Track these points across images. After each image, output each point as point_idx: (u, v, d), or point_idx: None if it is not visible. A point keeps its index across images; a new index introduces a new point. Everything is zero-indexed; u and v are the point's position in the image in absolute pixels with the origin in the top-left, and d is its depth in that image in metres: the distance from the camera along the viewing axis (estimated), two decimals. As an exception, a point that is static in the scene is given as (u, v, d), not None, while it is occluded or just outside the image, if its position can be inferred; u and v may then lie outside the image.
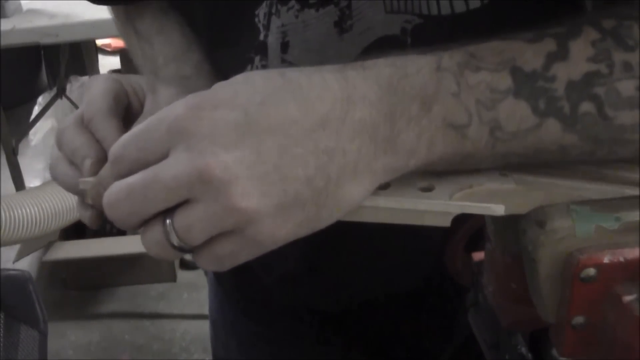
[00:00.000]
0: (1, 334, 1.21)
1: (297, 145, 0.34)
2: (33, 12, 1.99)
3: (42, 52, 3.04)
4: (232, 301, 0.77)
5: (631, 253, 0.37)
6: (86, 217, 0.44)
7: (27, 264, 2.09)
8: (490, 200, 0.38)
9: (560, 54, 0.38)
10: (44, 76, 3.22)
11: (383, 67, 0.37)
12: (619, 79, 0.38)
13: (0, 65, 2.15)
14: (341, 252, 0.61)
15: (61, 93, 2.57)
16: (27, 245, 2.05)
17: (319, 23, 0.50)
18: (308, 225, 0.36)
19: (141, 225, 0.36)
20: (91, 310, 2.20)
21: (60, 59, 2.50)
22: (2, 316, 1.22)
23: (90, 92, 0.45)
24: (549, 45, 0.38)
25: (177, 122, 0.34)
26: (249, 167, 0.33)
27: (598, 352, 0.39)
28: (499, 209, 0.38)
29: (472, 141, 0.38)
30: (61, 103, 2.59)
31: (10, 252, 2.04)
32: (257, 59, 0.53)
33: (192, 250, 0.36)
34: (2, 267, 1.53)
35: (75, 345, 2.06)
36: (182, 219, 0.34)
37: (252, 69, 0.54)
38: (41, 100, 2.86)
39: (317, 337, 0.72)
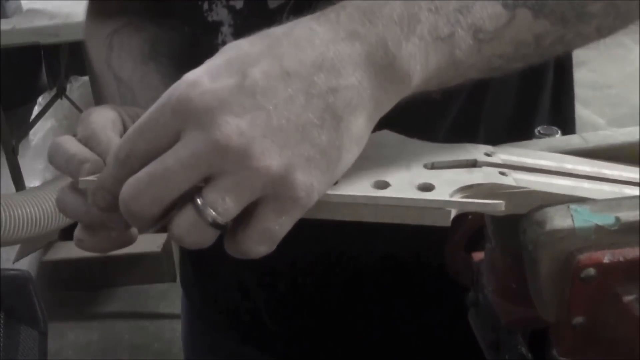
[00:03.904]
0: (1, 334, 1.21)
1: (301, 93, 0.35)
2: (33, 12, 1.99)
3: (42, 52, 3.04)
4: (203, 318, 0.78)
5: (631, 253, 0.37)
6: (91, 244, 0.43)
7: (27, 264, 2.10)
8: (490, 199, 0.38)
9: None
10: (44, 76, 3.21)
11: (360, 2, 0.38)
12: None
13: (0, 65, 2.15)
14: (299, 258, 0.62)
15: (61, 93, 2.57)
16: (27, 245, 2.05)
17: None
18: (334, 170, 0.36)
19: (162, 215, 0.36)
20: (91, 310, 2.20)
21: (60, 59, 2.50)
22: (2, 316, 1.22)
23: (86, 118, 0.45)
24: None
25: (180, 103, 0.34)
26: (262, 126, 0.34)
27: (598, 352, 0.39)
28: (499, 205, 0.38)
29: (460, 49, 0.39)
30: (61, 103, 2.59)
31: (10, 252, 2.05)
32: None
33: (226, 226, 0.35)
34: (2, 267, 1.53)
35: (75, 345, 2.06)
36: (212, 192, 0.34)
37: None
38: (41, 100, 2.85)
39: (289, 349, 0.72)
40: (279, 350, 0.72)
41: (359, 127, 0.37)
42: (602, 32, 0.44)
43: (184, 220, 0.35)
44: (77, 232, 0.43)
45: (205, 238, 0.36)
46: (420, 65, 0.38)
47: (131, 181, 0.35)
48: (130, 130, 0.36)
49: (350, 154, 0.37)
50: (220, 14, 0.57)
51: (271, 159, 0.34)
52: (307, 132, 0.35)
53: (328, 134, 0.36)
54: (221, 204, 0.34)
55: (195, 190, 0.35)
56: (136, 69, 0.60)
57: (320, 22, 0.37)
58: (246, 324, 0.73)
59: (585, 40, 0.44)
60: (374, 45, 0.37)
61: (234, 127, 0.33)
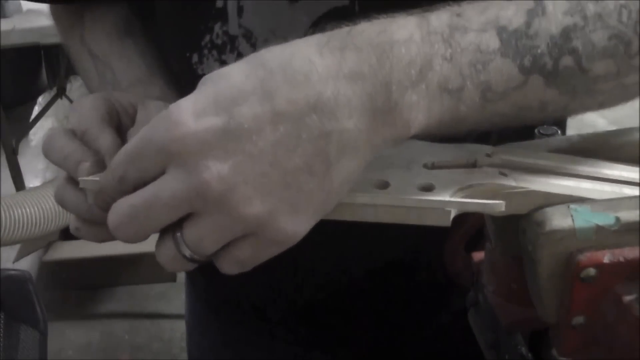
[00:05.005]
0: (1, 334, 1.21)
1: (290, 137, 0.33)
2: (33, 12, 1.99)
3: (42, 52, 3.04)
4: (203, 301, 0.77)
5: (631, 253, 0.37)
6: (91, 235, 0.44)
7: (27, 264, 2.09)
8: (490, 199, 0.38)
9: (539, 10, 0.38)
10: (44, 76, 3.22)
11: (373, 36, 0.36)
12: (593, 30, 0.38)
13: (0, 65, 2.15)
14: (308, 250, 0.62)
15: (61, 93, 2.57)
16: (27, 245, 2.05)
17: None
18: (320, 211, 0.36)
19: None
20: (91, 310, 2.20)
21: (60, 59, 2.50)
22: (2, 316, 1.22)
23: (78, 109, 0.45)
24: (527, 1, 0.39)
25: (163, 145, 0.33)
26: (244, 172, 0.33)
27: (598, 352, 0.39)
28: (499, 205, 0.38)
29: (466, 104, 0.37)
30: (61, 103, 2.59)
31: (10, 252, 2.04)
32: (217, 26, 0.53)
33: (206, 260, 0.36)
34: (2, 267, 1.53)
35: (75, 345, 2.06)
36: (191, 232, 0.34)
37: (211, 38, 0.54)
38: (41, 100, 2.86)
39: (289, 337, 0.72)
40: (279, 335, 0.72)
41: (351, 170, 0.35)
42: (604, 106, 0.43)
43: (164, 250, 0.36)
44: (74, 221, 0.43)
45: (185, 267, 0.36)
46: (422, 115, 0.36)
47: (115, 210, 0.35)
48: (122, 152, 0.36)
49: (340, 195, 0.36)
50: (212, 67, 0.55)
51: (252, 206, 0.33)
52: (294, 178, 0.34)
53: (316, 179, 0.34)
54: (198, 244, 0.34)
55: (178, 223, 0.35)
56: (112, 44, 0.58)
57: (322, 53, 0.35)
58: (246, 311, 0.72)
59: (585, 110, 0.43)
60: (377, 88, 0.35)
61: (214, 172, 0.32)
